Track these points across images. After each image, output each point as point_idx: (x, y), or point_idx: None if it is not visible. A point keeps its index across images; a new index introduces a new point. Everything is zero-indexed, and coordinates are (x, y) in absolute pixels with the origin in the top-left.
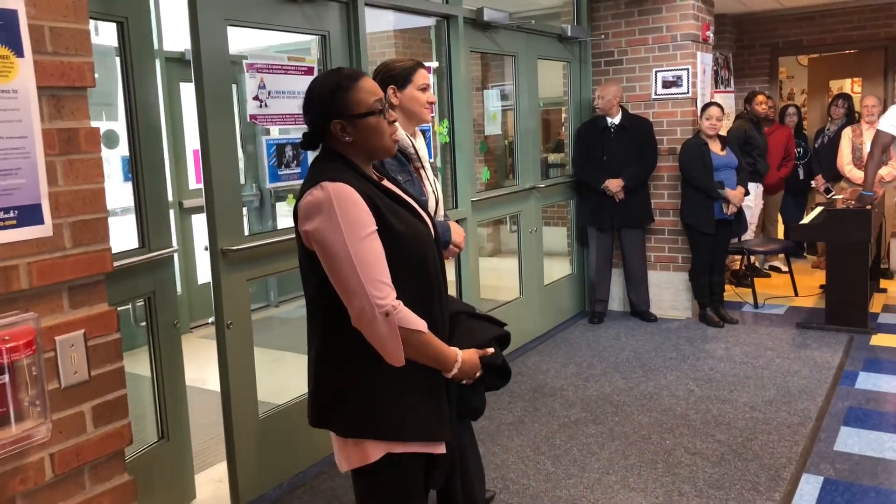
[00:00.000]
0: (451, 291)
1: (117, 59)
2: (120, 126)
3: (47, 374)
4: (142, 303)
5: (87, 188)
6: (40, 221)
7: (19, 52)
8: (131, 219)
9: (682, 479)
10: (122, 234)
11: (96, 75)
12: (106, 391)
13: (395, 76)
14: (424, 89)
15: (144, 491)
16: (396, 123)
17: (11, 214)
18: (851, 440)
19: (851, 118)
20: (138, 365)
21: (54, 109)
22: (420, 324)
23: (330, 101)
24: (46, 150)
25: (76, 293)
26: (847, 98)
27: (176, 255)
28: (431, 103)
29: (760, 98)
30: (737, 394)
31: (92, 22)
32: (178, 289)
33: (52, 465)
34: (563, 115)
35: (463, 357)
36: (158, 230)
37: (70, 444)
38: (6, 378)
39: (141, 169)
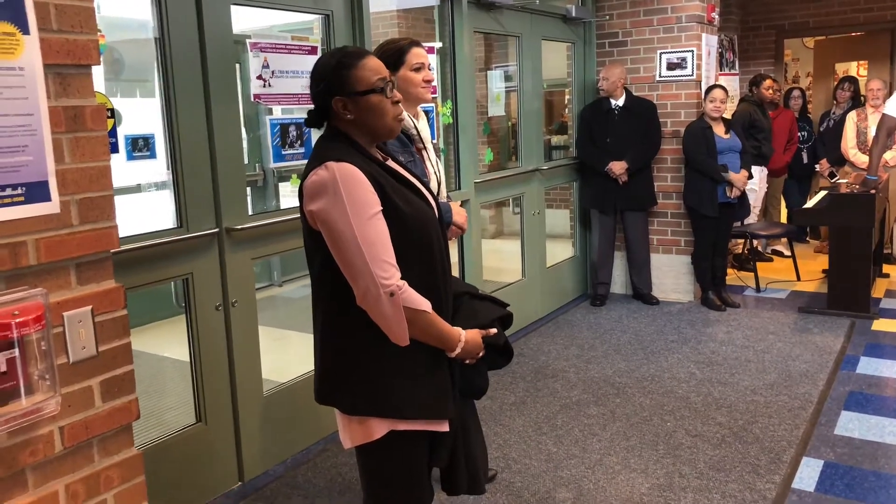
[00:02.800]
0: (454, 273)
1: (153, 37)
2: (155, 103)
3: (56, 349)
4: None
5: (94, 166)
6: (48, 198)
7: (25, 30)
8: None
9: (682, 461)
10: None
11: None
12: (114, 366)
13: (386, 58)
14: (419, 69)
15: (181, 474)
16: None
17: (19, 191)
18: (852, 424)
19: (857, 102)
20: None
21: (60, 87)
22: (424, 304)
23: (332, 78)
24: (53, 128)
25: (84, 270)
26: (853, 81)
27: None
28: (428, 82)
29: (769, 83)
30: (738, 377)
31: None
32: None
33: (61, 438)
34: (567, 97)
35: (466, 337)
36: (197, 210)
37: (78, 417)
38: (16, 352)
39: (179, 146)
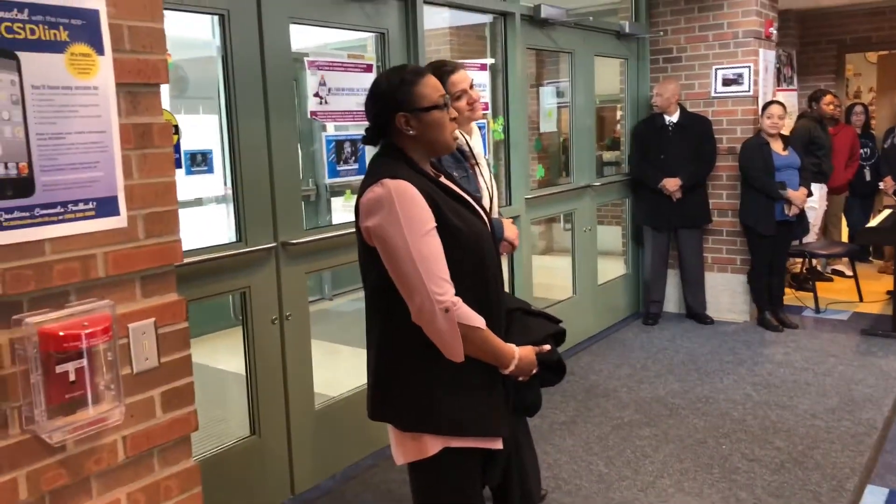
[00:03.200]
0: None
1: (217, 55)
2: (213, 119)
3: (121, 359)
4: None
5: (160, 181)
6: (116, 213)
7: (100, 51)
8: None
9: (739, 486)
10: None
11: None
12: (174, 378)
13: None
14: (460, 96)
15: (234, 486)
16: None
17: (91, 206)
18: None
19: None
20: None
21: (130, 105)
22: (478, 320)
23: (396, 95)
24: (123, 145)
25: (148, 282)
26: None
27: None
28: (473, 103)
29: (829, 98)
30: (797, 400)
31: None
32: None
33: (124, 448)
34: (619, 113)
35: (520, 354)
36: (256, 225)
37: (141, 427)
38: (84, 362)
39: (239, 161)
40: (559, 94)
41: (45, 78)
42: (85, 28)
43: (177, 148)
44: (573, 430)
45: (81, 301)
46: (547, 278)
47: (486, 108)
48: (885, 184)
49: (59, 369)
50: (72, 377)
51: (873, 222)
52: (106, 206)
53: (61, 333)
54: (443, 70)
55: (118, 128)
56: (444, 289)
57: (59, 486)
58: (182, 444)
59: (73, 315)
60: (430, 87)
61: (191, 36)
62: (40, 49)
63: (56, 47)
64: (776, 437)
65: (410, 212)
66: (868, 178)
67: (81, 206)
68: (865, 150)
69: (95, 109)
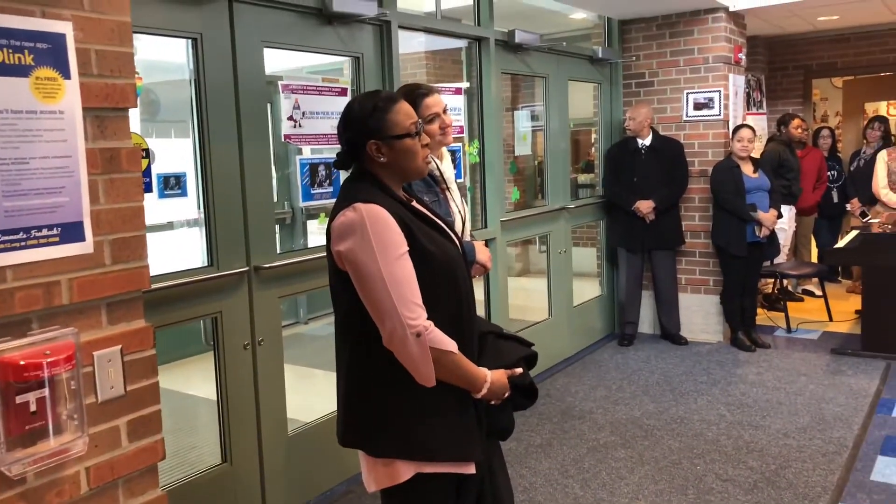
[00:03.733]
0: (480, 311)
1: (189, 78)
2: (188, 142)
3: (85, 388)
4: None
5: (127, 206)
6: (82, 238)
7: (66, 75)
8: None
9: None
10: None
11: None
12: (141, 406)
13: None
14: (433, 119)
15: None
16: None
17: (55, 231)
18: (889, 470)
19: (888, 141)
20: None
21: (98, 130)
22: (451, 344)
23: (368, 122)
24: (89, 169)
25: (114, 309)
26: (883, 121)
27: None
28: (445, 127)
29: (797, 122)
30: (769, 420)
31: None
32: None
33: (87, 479)
34: (594, 136)
35: (492, 377)
36: (228, 249)
37: (105, 457)
38: (46, 392)
39: (212, 184)
40: (534, 117)
41: (8, 102)
42: (51, 52)
43: (149, 171)
44: (549, 452)
45: (44, 329)
46: (523, 300)
47: (462, 132)
48: (852, 205)
49: (19, 399)
50: (32, 407)
51: (841, 243)
52: (71, 232)
53: (22, 363)
54: (417, 93)
55: (84, 152)
56: (416, 313)
57: None
58: (148, 473)
59: (34, 343)
60: (403, 114)
61: (163, 59)
62: (4, 73)
63: (20, 71)
64: (749, 456)
65: (383, 236)
66: (836, 199)
67: (45, 232)
68: (832, 172)
69: (61, 134)
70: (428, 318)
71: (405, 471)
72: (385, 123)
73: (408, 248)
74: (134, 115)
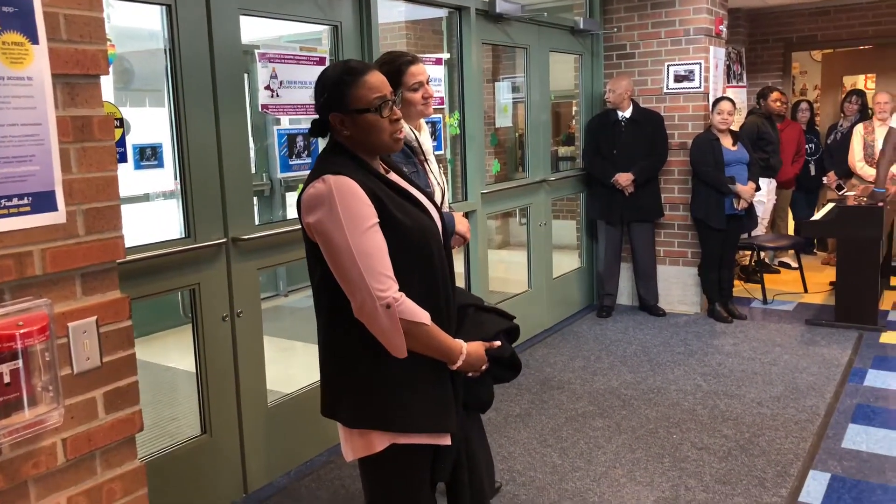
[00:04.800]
0: (460, 283)
1: (163, 47)
2: (164, 112)
3: (60, 360)
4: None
5: (101, 176)
6: (54, 208)
7: (34, 39)
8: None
9: (688, 474)
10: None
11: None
12: (117, 377)
13: None
14: (417, 88)
15: (185, 486)
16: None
17: (26, 201)
18: (859, 437)
19: (865, 115)
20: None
21: (68, 97)
22: (423, 315)
23: (331, 94)
24: (60, 138)
25: (89, 280)
26: (861, 94)
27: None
28: (428, 98)
29: (776, 95)
30: (744, 389)
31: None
32: None
33: (64, 450)
34: (574, 108)
35: (468, 349)
36: (205, 220)
37: (82, 429)
38: (20, 363)
39: (188, 155)
40: (515, 89)
41: None
42: (17, 15)
43: (123, 142)
44: (528, 422)
45: (16, 300)
46: (503, 272)
47: (442, 104)
48: (829, 178)
49: None
50: (6, 379)
51: (817, 215)
52: (43, 202)
53: None
54: (402, 60)
55: (55, 120)
56: (385, 285)
57: None
58: (126, 445)
59: (7, 315)
60: (367, 87)
61: (136, 27)
62: None
63: None
64: (724, 425)
65: (350, 208)
66: (813, 172)
67: (16, 202)
68: (810, 145)
69: (30, 101)
70: (400, 290)
71: (380, 441)
72: (347, 97)
73: (377, 221)
74: (107, 85)
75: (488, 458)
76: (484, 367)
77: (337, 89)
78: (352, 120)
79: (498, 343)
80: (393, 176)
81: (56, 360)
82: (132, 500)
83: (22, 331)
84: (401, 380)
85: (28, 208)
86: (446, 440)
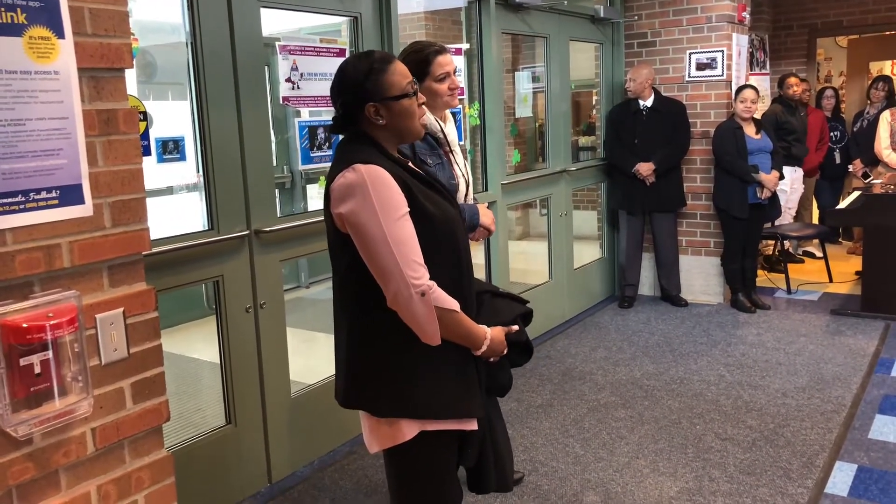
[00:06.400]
0: (480, 274)
1: (185, 40)
2: (185, 105)
3: (88, 350)
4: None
5: (126, 168)
6: (81, 201)
7: (60, 34)
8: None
9: (712, 465)
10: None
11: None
12: (144, 368)
13: (411, 68)
14: (444, 78)
15: (210, 476)
16: (424, 107)
17: (54, 194)
18: (886, 428)
19: (892, 101)
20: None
21: (94, 90)
22: (453, 303)
23: (365, 84)
24: (87, 131)
25: (116, 272)
26: (887, 80)
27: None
28: (454, 89)
29: (791, 80)
30: (769, 380)
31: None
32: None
33: (93, 439)
34: (595, 98)
35: (491, 334)
36: (228, 213)
37: (110, 419)
38: (50, 354)
39: (210, 148)
40: (535, 79)
41: (2, 62)
42: (43, 10)
43: (147, 135)
44: (549, 412)
45: (46, 292)
46: (524, 263)
47: (462, 94)
48: (854, 166)
49: (23, 362)
50: (37, 369)
51: (843, 204)
52: (70, 195)
53: (25, 325)
54: (430, 50)
55: (81, 114)
56: (419, 273)
57: (27, 479)
58: (153, 434)
59: (37, 306)
60: (399, 74)
61: (159, 20)
62: None
63: (13, 30)
64: (748, 416)
65: (384, 196)
66: (838, 160)
67: (44, 195)
68: (835, 133)
69: (57, 95)
70: (430, 278)
71: (409, 430)
72: (382, 85)
73: (409, 209)
74: (131, 78)
75: (508, 445)
76: (504, 352)
77: (370, 79)
78: (387, 108)
79: (516, 327)
80: (412, 165)
81: (85, 351)
82: (160, 488)
83: (52, 322)
84: (429, 367)
85: (56, 201)
86: (473, 425)
